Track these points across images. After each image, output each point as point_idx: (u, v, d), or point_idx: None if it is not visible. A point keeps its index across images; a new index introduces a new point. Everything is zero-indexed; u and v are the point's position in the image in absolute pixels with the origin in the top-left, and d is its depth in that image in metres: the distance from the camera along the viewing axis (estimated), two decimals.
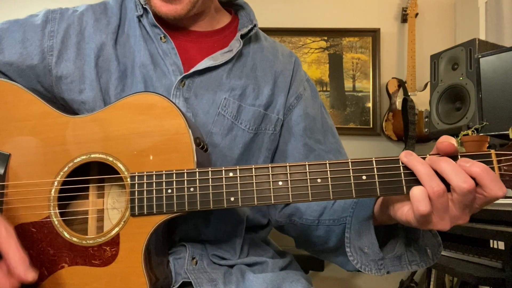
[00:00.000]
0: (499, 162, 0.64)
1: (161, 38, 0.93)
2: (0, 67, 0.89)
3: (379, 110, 2.98)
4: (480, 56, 1.88)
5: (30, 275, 0.65)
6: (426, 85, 2.82)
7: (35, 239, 0.78)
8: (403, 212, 0.67)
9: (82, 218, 0.83)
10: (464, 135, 1.77)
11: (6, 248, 0.65)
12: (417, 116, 2.71)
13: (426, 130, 2.30)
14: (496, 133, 1.78)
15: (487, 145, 1.73)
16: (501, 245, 1.80)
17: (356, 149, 2.95)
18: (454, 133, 1.88)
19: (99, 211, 0.84)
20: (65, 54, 0.91)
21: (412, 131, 2.68)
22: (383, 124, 2.93)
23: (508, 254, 1.47)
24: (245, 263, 0.90)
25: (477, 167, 0.61)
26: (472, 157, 0.64)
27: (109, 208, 0.84)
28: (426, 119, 2.28)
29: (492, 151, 0.64)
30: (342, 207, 0.86)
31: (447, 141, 0.64)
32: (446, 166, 0.62)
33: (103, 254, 0.75)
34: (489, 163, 0.64)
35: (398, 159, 0.67)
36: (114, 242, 0.75)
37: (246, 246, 0.95)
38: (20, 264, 0.65)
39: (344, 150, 1.04)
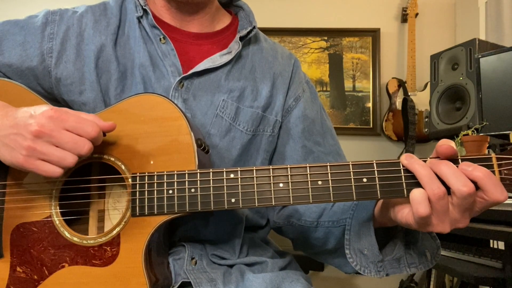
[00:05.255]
0: (499, 166, 0.64)
1: (160, 39, 0.93)
2: (0, 68, 0.90)
3: (379, 110, 2.98)
4: (480, 56, 1.88)
5: (109, 122, 0.74)
6: (426, 85, 2.82)
7: (36, 239, 0.78)
8: (403, 214, 0.67)
9: (83, 218, 0.84)
10: (464, 135, 1.77)
11: (76, 114, 0.71)
12: (417, 116, 2.71)
13: (426, 130, 2.30)
14: (496, 133, 1.78)
15: (487, 145, 1.73)
16: (501, 245, 1.81)
17: (356, 149, 2.95)
18: (454, 133, 1.88)
19: (100, 211, 0.85)
20: (65, 55, 0.91)
21: (412, 131, 2.68)
22: (383, 124, 2.93)
23: (508, 254, 1.47)
24: (244, 263, 0.91)
25: (479, 172, 0.61)
26: (473, 160, 0.65)
27: (110, 209, 0.84)
28: (426, 119, 2.28)
29: (493, 155, 0.65)
30: (341, 209, 0.86)
31: (446, 144, 0.64)
32: (447, 169, 0.62)
33: (104, 254, 0.76)
34: (489, 167, 0.64)
35: (399, 162, 0.67)
36: (115, 242, 0.75)
37: (245, 246, 0.95)
38: (95, 117, 0.73)
39: (343, 152, 1.04)
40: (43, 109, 0.69)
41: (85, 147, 0.69)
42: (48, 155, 0.68)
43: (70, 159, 0.69)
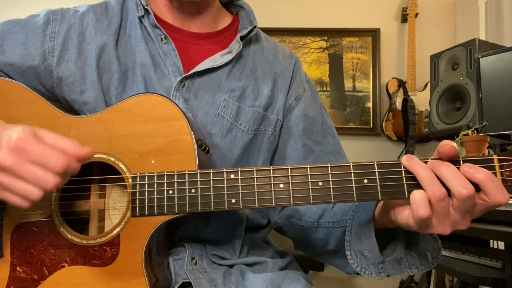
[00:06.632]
0: (501, 167, 0.64)
1: (161, 39, 0.93)
2: (2, 67, 0.90)
3: (379, 110, 2.99)
4: (480, 56, 1.88)
5: (86, 149, 0.66)
6: (426, 85, 2.82)
7: (36, 239, 0.78)
8: (404, 216, 0.67)
9: (83, 218, 0.84)
10: (464, 135, 1.77)
11: (53, 138, 0.66)
12: (417, 116, 2.71)
13: (426, 130, 2.30)
14: (496, 133, 1.78)
15: (487, 145, 1.74)
16: (501, 245, 1.81)
17: (356, 149, 2.95)
18: (454, 133, 1.89)
19: (100, 211, 0.85)
20: (66, 55, 0.91)
21: (412, 131, 2.68)
22: (383, 124, 2.93)
23: (508, 254, 1.47)
24: (244, 263, 0.90)
25: (481, 174, 0.61)
26: (475, 162, 0.64)
27: (110, 209, 0.84)
28: (426, 119, 2.28)
29: (495, 156, 0.64)
30: (342, 209, 0.86)
31: (448, 144, 0.64)
32: (447, 171, 0.62)
33: (104, 254, 0.76)
34: (491, 168, 0.64)
35: (400, 163, 0.67)
36: (115, 242, 0.75)
37: (245, 246, 0.95)
38: (72, 144, 0.66)
39: (344, 151, 1.04)
40: (10, 136, 0.64)
41: (49, 183, 0.63)
42: (12, 188, 0.65)
43: (35, 194, 0.64)
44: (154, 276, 0.76)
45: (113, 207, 0.84)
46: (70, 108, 0.91)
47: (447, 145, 0.64)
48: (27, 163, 0.63)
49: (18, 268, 0.78)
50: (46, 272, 0.77)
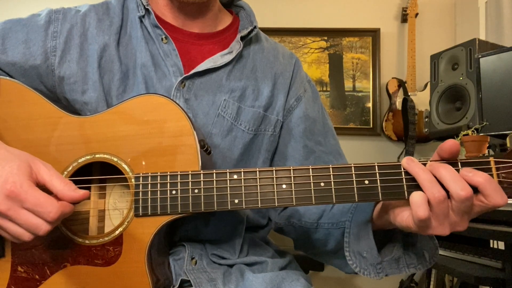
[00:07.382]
0: (497, 169, 0.65)
1: (162, 39, 0.93)
2: (3, 67, 0.89)
3: (379, 110, 2.99)
4: (480, 56, 1.88)
5: (80, 192, 0.67)
6: (426, 85, 2.83)
7: (37, 238, 0.77)
8: (403, 217, 0.68)
9: (84, 218, 0.84)
10: (464, 135, 1.77)
11: (48, 176, 0.67)
12: (417, 116, 2.71)
13: (426, 130, 2.30)
14: (496, 133, 1.78)
15: (487, 145, 1.74)
16: (501, 245, 1.81)
17: (356, 149, 2.96)
18: (454, 133, 1.89)
19: (100, 212, 0.85)
20: (68, 55, 0.91)
21: (412, 131, 2.68)
22: (383, 124, 2.93)
23: (508, 254, 1.47)
24: (244, 263, 0.91)
25: (480, 177, 0.62)
26: (471, 164, 0.66)
27: (110, 209, 0.84)
28: (426, 119, 2.28)
29: (491, 159, 0.66)
30: (340, 211, 0.86)
31: (451, 140, 0.65)
32: (446, 173, 0.63)
33: (106, 254, 0.76)
34: (487, 170, 0.65)
35: (400, 164, 0.68)
36: (117, 242, 0.75)
37: (245, 245, 0.95)
38: (66, 186, 0.67)
39: (342, 151, 1.04)
40: (5, 178, 0.65)
41: (41, 230, 0.65)
42: (5, 229, 0.66)
43: (27, 237, 0.66)
44: (155, 275, 0.77)
45: (113, 208, 0.84)
46: (70, 108, 0.91)
47: (450, 141, 0.65)
48: (21, 210, 0.65)
49: (19, 268, 0.78)
50: (48, 272, 0.77)
